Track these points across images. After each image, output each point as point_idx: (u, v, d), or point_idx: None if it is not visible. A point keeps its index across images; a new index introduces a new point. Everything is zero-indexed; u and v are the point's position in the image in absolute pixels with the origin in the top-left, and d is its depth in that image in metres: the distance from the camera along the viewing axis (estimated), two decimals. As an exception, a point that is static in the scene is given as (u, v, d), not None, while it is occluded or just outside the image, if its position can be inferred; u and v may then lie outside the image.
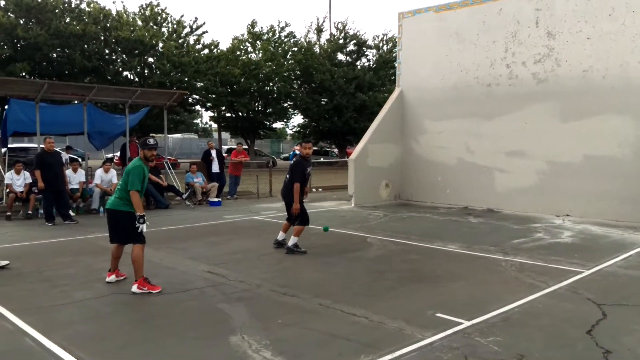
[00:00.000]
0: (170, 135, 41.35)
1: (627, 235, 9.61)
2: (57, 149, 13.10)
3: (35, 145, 13.26)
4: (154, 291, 5.81)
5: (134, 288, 5.82)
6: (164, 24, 29.94)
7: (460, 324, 4.86)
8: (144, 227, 5.95)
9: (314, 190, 19.01)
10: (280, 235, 8.34)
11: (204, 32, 31.41)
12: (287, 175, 8.03)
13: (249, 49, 36.03)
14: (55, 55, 25.79)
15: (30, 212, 11.68)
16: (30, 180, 11.83)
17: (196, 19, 30.47)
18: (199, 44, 31.14)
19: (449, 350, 4.28)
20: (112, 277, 6.31)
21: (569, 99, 12.05)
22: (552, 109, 12.35)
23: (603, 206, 11.40)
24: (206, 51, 31.41)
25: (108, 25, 26.62)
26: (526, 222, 11.20)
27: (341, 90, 35.09)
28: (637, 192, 10.95)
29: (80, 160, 15.75)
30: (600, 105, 11.57)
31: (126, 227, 6.00)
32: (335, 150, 43.47)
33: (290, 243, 7.94)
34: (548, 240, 9.22)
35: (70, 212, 11.94)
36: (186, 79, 28.56)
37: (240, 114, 35.47)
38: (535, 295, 5.83)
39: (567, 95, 12.08)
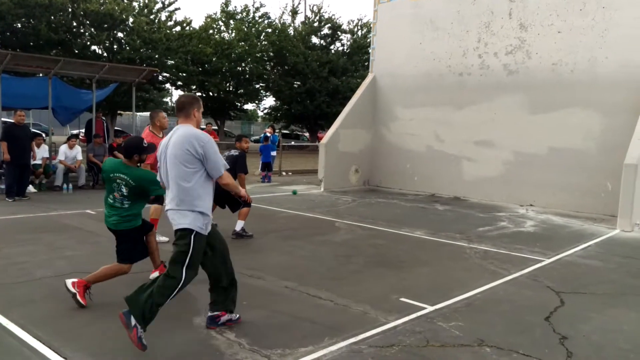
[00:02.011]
0: (138, 113, 40.59)
1: (587, 226, 9.88)
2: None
3: (-4, 118, 12.82)
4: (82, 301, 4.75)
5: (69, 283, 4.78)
6: (135, -2, 29.16)
7: (424, 308, 4.94)
8: None
9: (284, 173, 18.98)
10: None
11: (176, 9, 30.89)
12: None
13: (222, 28, 35.49)
14: (19, 25, 24.86)
15: (-10, 187, 11.35)
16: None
17: (168, -6, 29.72)
18: (170, 20, 30.45)
19: (411, 334, 4.34)
20: (157, 274, 5.39)
21: (537, 91, 12.25)
22: (521, 101, 12.54)
23: (565, 197, 11.69)
24: (178, 28, 30.75)
25: (76, -4, 25.78)
26: (491, 210, 11.41)
27: (314, 73, 34.93)
28: (599, 185, 11.26)
29: (43, 135, 15.31)
30: (568, 99, 11.80)
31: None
32: (307, 134, 43.39)
33: (237, 227, 7.87)
34: (512, 229, 9.41)
35: (31, 188, 11.67)
36: (157, 56, 27.93)
37: (211, 93, 35.00)
38: (497, 282, 5.95)
39: (536, 88, 12.28)
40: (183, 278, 4.00)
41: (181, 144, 3.97)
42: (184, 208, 4.01)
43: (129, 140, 5.11)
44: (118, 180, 4.78)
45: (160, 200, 7.15)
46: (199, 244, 4.06)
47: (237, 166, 7.90)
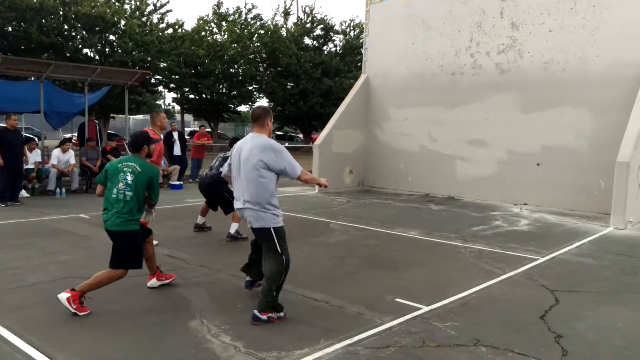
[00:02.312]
0: (131, 116, 40.46)
1: (580, 224, 9.92)
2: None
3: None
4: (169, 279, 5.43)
5: (63, 300, 4.62)
6: (126, 1, 29.04)
7: (419, 309, 4.94)
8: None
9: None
10: (200, 219, 8.49)
11: (168, 11, 30.77)
12: (216, 163, 8.13)
13: (214, 30, 35.40)
14: (10, 29, 24.69)
15: (-19, 192, 11.25)
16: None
17: (160, -4, 29.61)
18: (162, 23, 30.33)
19: (407, 334, 4.34)
20: (154, 281, 5.48)
21: (529, 90, 12.29)
22: (513, 100, 12.58)
23: (559, 196, 11.74)
24: (170, 31, 30.65)
25: (67, -1, 25.65)
26: (485, 210, 11.44)
27: (307, 75, 34.90)
28: (592, 183, 11.31)
29: (36, 139, 15.22)
30: (559, 98, 11.85)
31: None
32: (300, 135, 43.35)
33: (232, 230, 7.87)
34: (506, 228, 9.44)
35: (24, 193, 11.61)
36: (149, 58, 27.82)
37: (204, 96, 34.90)
38: (492, 281, 5.97)
39: (528, 87, 12.32)
40: (285, 262, 4.64)
41: (260, 152, 4.53)
42: (258, 208, 4.58)
43: (135, 134, 5.29)
44: (125, 169, 4.81)
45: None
46: (281, 234, 4.66)
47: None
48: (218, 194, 7.92)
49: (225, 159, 8.03)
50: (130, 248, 4.82)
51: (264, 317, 4.51)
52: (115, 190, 4.77)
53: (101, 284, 4.80)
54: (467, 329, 4.49)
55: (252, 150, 4.56)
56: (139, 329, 4.34)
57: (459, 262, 6.87)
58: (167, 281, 5.54)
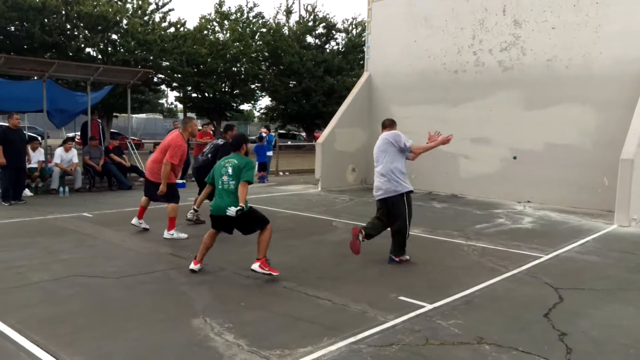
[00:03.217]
0: (134, 115, 40.55)
1: (584, 222, 9.90)
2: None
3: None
4: (274, 273, 5.66)
5: (255, 266, 5.66)
6: (129, 0, 29.08)
7: (423, 307, 4.93)
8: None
9: (281, 173, 18.96)
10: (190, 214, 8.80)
11: (170, 10, 30.80)
12: (209, 155, 8.39)
13: (217, 28, 35.43)
14: (13, 28, 24.76)
15: (-15, 191, 11.28)
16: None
17: (162, -5, 29.64)
18: (164, 22, 30.37)
19: (410, 332, 4.33)
20: (198, 266, 5.96)
21: (532, 87, 12.26)
22: (516, 97, 12.55)
23: (562, 193, 11.70)
24: (172, 30, 30.68)
25: (70, -1, 25.68)
26: (489, 207, 11.41)
27: (310, 73, 34.90)
28: (595, 180, 11.27)
29: (39, 138, 15.24)
30: (563, 95, 11.82)
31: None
32: (303, 133, 43.36)
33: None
34: (509, 225, 9.41)
35: (28, 192, 11.63)
36: (151, 57, 27.87)
37: (206, 94, 34.94)
38: (495, 279, 5.95)
39: (531, 84, 12.29)
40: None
41: (384, 140, 6.84)
42: (390, 180, 6.64)
43: (235, 136, 6.33)
44: (227, 165, 5.70)
45: (176, 199, 7.31)
46: (410, 201, 6.66)
47: (218, 155, 8.00)
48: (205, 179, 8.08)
49: (216, 146, 8.12)
50: (253, 217, 5.73)
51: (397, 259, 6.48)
52: (221, 182, 5.66)
53: (266, 243, 5.72)
54: (470, 327, 4.47)
55: (382, 141, 6.92)
56: (142, 327, 4.34)
57: (462, 260, 6.86)
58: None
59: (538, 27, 12.16)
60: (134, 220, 8.11)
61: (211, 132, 16.98)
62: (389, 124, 7.11)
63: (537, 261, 6.83)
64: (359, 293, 5.32)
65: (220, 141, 8.40)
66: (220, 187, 5.65)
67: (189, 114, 40.82)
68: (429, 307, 4.94)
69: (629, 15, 10.89)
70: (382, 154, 6.76)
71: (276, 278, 5.69)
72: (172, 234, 7.58)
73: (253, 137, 38.41)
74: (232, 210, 5.47)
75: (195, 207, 8.46)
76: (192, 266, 5.92)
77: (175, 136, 7.60)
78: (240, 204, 5.46)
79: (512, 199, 12.41)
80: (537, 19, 12.16)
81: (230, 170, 5.62)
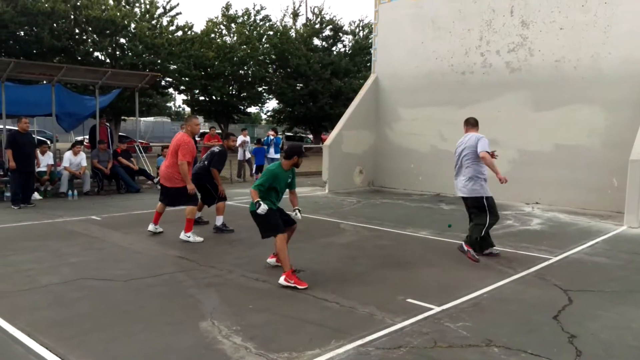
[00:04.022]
0: (142, 119, 40.73)
1: (593, 223, 9.83)
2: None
3: (1, 127, 12.86)
4: (299, 287, 5.45)
5: (281, 280, 5.54)
6: (137, 4, 29.25)
7: (431, 309, 4.91)
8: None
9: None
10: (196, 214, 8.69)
11: (177, 14, 30.94)
12: (205, 162, 8.39)
13: (224, 31, 35.56)
14: (22, 33, 24.97)
15: (-5, 195, 11.38)
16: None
17: (169, -1, 29.79)
18: (172, 25, 30.52)
19: (419, 335, 4.31)
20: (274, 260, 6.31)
21: (541, 88, 12.20)
22: (524, 98, 12.49)
23: (571, 194, 11.63)
24: (180, 33, 30.82)
25: (78, 3, 25.85)
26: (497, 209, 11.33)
27: (317, 75, 34.91)
28: (604, 181, 11.20)
29: (48, 142, 15.36)
30: (571, 96, 11.75)
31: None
32: (310, 136, 43.36)
33: (218, 222, 8.31)
34: (518, 227, 9.36)
35: (37, 195, 11.71)
36: (159, 61, 28.01)
37: (214, 97, 35.03)
38: (504, 281, 5.92)
39: (539, 85, 12.23)
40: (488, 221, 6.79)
41: (472, 141, 6.88)
42: (475, 182, 6.80)
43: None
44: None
45: (195, 201, 7.37)
46: (492, 200, 6.84)
47: (212, 162, 8.13)
48: (200, 185, 8.13)
49: (212, 153, 8.19)
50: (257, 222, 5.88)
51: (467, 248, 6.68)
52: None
53: (284, 252, 5.59)
54: (479, 330, 4.45)
55: (470, 141, 6.89)
56: (150, 330, 4.35)
57: (470, 262, 6.82)
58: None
59: (546, 28, 12.10)
60: (150, 227, 8.14)
61: (218, 135, 17.10)
62: (474, 123, 7.23)
63: (545, 263, 6.79)
64: (366, 295, 5.31)
65: (216, 148, 8.43)
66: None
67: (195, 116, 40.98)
68: (437, 309, 4.91)
69: (638, 15, 10.82)
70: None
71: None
72: (189, 237, 7.57)
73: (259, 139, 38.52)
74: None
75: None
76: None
77: (181, 136, 7.74)
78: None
79: (521, 200, 12.34)
80: (545, 19, 12.10)
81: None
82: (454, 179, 7.16)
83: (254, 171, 17.10)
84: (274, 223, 5.77)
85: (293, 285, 5.50)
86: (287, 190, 6.17)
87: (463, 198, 7.01)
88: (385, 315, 4.74)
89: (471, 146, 6.87)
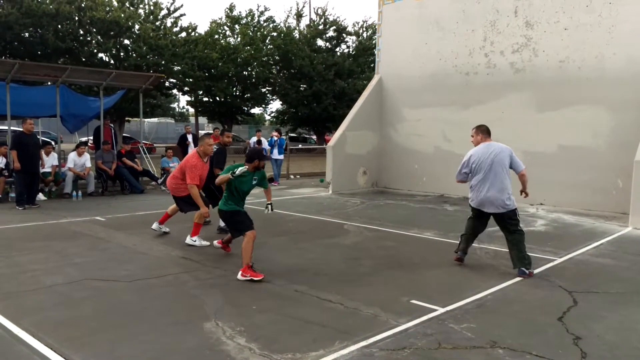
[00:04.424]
0: (146, 120, 40.79)
1: (598, 224, 9.79)
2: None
3: (6, 128, 12.90)
4: (255, 278, 5.74)
5: (239, 276, 5.85)
6: (141, 6, 29.33)
7: (435, 310, 4.90)
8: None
9: (292, 177, 18.98)
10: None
11: (181, 15, 30.87)
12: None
13: (227, 33, 35.60)
14: (27, 35, 25.08)
15: (0, 195, 11.40)
16: (2, 165, 11.56)
17: (173, 1, 29.82)
18: (176, 26, 30.59)
19: (423, 336, 4.30)
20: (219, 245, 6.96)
21: (545, 89, 12.17)
22: (528, 99, 12.47)
23: (576, 195, 11.59)
24: (184, 34, 30.90)
25: (82, 5, 25.94)
26: (501, 210, 11.31)
27: (320, 76, 34.93)
28: (609, 182, 11.16)
29: (53, 143, 15.42)
30: (576, 96, 11.71)
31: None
32: (314, 137, 43.38)
33: (222, 223, 8.20)
34: (522, 228, 9.31)
35: (41, 196, 11.74)
36: (163, 62, 28.07)
37: (217, 98, 35.08)
38: (508, 282, 5.90)
39: (543, 86, 12.20)
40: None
41: (504, 153, 6.35)
42: (508, 195, 6.29)
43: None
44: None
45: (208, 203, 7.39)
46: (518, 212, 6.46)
47: (213, 163, 8.06)
48: (204, 186, 8.07)
49: (215, 154, 8.06)
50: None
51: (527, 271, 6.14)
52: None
53: (247, 249, 5.88)
54: (483, 331, 4.44)
55: (502, 153, 6.33)
56: (154, 331, 4.35)
57: (474, 263, 6.81)
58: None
59: (550, 28, 12.07)
60: (155, 225, 8.17)
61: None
62: (488, 132, 6.71)
63: (550, 264, 6.77)
64: (370, 296, 5.30)
65: (214, 148, 8.39)
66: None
67: (201, 119, 41.06)
68: (441, 310, 4.91)
69: (643, 15, 10.78)
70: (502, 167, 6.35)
71: (283, 283, 5.68)
72: (195, 241, 7.55)
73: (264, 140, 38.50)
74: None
75: None
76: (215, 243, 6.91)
77: (190, 156, 7.58)
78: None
79: (525, 201, 12.25)
80: (549, 20, 12.07)
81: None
82: (478, 192, 6.41)
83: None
84: (245, 222, 6.12)
85: (249, 278, 5.73)
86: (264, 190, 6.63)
87: (494, 214, 6.44)
88: (389, 317, 4.73)
89: (503, 159, 6.32)
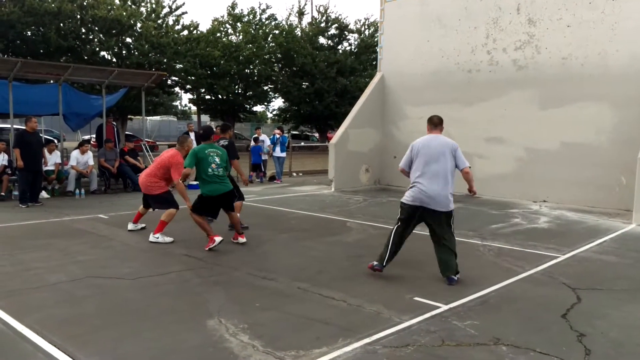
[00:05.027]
0: (148, 118, 40.85)
1: (601, 221, 9.77)
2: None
3: (9, 126, 12.92)
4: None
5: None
6: (142, 4, 29.35)
7: (438, 307, 4.89)
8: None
9: (294, 174, 18.97)
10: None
11: (183, 13, 30.93)
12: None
13: (229, 30, 35.63)
14: (29, 33, 25.11)
15: (3, 194, 11.42)
16: (5, 162, 11.57)
17: (175, -1, 29.88)
18: (178, 24, 30.62)
19: (426, 333, 4.30)
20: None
21: (548, 86, 12.14)
22: (531, 96, 12.44)
23: (579, 192, 11.57)
24: (185, 32, 30.92)
25: (85, 3, 25.97)
26: (504, 207, 11.32)
27: (322, 74, 34.92)
28: (613, 179, 11.13)
29: (55, 141, 15.42)
30: (579, 93, 11.68)
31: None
32: (316, 134, 43.38)
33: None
34: (525, 225, 9.32)
35: (44, 194, 11.76)
36: (165, 60, 28.10)
37: (220, 96, 35.13)
38: (512, 279, 5.89)
39: (546, 83, 12.17)
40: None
41: (447, 146, 5.85)
42: (450, 192, 5.76)
43: (205, 128, 7.71)
44: (212, 154, 7.00)
45: (174, 205, 7.42)
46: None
47: (230, 155, 8.04)
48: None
49: (226, 147, 8.10)
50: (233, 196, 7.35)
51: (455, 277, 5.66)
52: (211, 169, 6.96)
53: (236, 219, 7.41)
54: (487, 328, 4.43)
55: (444, 147, 5.81)
56: (157, 328, 4.36)
57: (477, 261, 6.80)
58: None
59: (553, 25, 12.03)
60: (130, 226, 8.31)
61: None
62: (439, 122, 6.21)
63: (553, 261, 6.75)
64: (373, 294, 5.30)
65: (222, 142, 8.39)
66: (210, 173, 6.97)
67: (203, 117, 41.06)
68: (444, 307, 4.90)
69: (646, 11, 10.74)
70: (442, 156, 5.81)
71: (286, 281, 5.68)
72: (157, 238, 7.53)
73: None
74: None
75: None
76: (217, 240, 6.98)
77: (174, 154, 7.62)
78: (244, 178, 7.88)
79: (528, 198, 12.29)
80: (551, 17, 12.04)
81: (217, 160, 7.03)
82: (418, 187, 5.77)
83: (249, 170, 16.91)
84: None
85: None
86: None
87: (432, 215, 5.76)
88: (392, 314, 4.72)
89: (446, 153, 5.78)
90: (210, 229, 7.08)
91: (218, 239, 6.95)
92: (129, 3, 28.51)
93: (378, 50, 15.97)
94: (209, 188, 7.03)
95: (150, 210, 8.22)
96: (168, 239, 7.55)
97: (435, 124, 6.20)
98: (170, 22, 30.27)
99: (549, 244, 7.71)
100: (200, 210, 7.09)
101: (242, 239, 7.37)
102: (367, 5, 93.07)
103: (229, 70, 32.93)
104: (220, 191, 7.04)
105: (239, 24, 35.41)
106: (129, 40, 28.24)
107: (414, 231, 8.69)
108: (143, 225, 8.37)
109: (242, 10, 35.93)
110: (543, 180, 12.18)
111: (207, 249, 6.92)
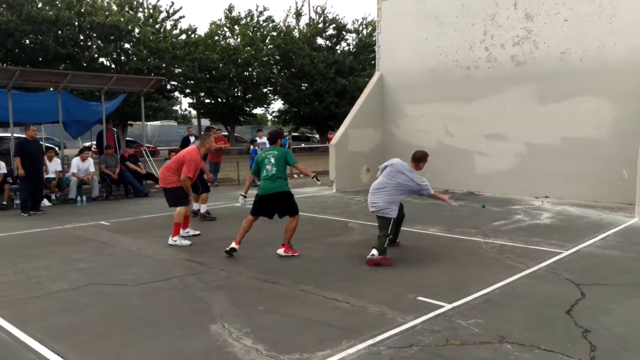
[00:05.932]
0: (148, 123, 40.87)
1: (604, 216, 9.74)
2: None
3: (8, 135, 12.92)
4: (295, 254, 6.85)
5: (280, 252, 6.90)
6: (140, 9, 29.38)
7: (442, 306, 4.87)
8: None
9: (295, 175, 18.95)
10: (195, 206, 9.52)
11: (180, 17, 30.93)
12: None
13: (227, 34, 35.64)
14: (27, 41, 25.15)
15: (5, 202, 11.42)
16: (5, 171, 11.57)
17: (172, 3, 30.05)
18: (176, 29, 30.64)
19: (430, 333, 4.28)
20: (237, 246, 6.92)
21: (546, 81, 12.12)
22: (530, 92, 12.42)
23: (581, 187, 11.54)
24: (183, 37, 30.94)
25: (82, 10, 26.00)
26: (506, 204, 11.29)
27: (321, 75, 34.91)
28: (615, 173, 11.10)
29: (56, 148, 15.43)
30: (578, 88, 11.66)
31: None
32: (317, 135, 43.36)
33: (202, 210, 9.59)
34: (527, 221, 9.30)
35: (46, 202, 11.76)
36: (164, 65, 28.12)
37: (219, 100, 35.12)
38: (515, 276, 5.87)
39: (545, 78, 12.15)
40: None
41: (403, 169, 7.00)
42: (392, 202, 6.74)
43: (272, 132, 7.50)
44: (269, 156, 6.92)
45: (184, 203, 7.80)
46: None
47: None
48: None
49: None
50: (293, 199, 7.06)
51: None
52: (266, 170, 6.88)
53: (293, 230, 6.94)
54: (491, 326, 4.41)
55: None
56: (161, 334, 4.34)
57: (480, 258, 6.78)
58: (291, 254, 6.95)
59: (550, 20, 12.01)
60: (181, 232, 8.07)
61: (224, 137, 17.19)
62: (420, 158, 7.23)
63: (557, 257, 6.73)
64: (377, 294, 5.28)
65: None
66: (264, 174, 6.88)
67: (203, 121, 41.08)
68: (448, 306, 4.88)
69: (644, 4, 10.71)
70: (393, 179, 6.98)
71: (289, 283, 5.67)
72: (175, 241, 7.56)
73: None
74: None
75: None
76: (233, 245, 6.81)
77: (191, 150, 7.75)
78: (312, 174, 7.40)
79: (530, 194, 12.26)
80: (549, 11, 12.02)
81: (273, 160, 6.86)
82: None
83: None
84: (296, 204, 7.11)
85: (291, 254, 6.87)
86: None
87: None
88: (396, 314, 4.71)
89: (401, 173, 7.02)
90: (241, 236, 6.92)
91: (232, 245, 6.83)
92: (127, 9, 28.54)
93: (376, 49, 15.96)
94: (260, 187, 7.00)
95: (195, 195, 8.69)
96: (185, 242, 7.57)
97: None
98: (168, 27, 30.30)
99: (552, 240, 7.69)
100: (253, 211, 7.01)
101: (235, 245, 6.92)
102: (364, 5, 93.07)
103: (228, 74, 32.93)
104: (270, 190, 6.87)
105: (236, 27, 35.43)
106: (127, 46, 28.27)
107: (419, 231, 8.70)
108: (196, 232, 8.27)
109: (239, 13, 35.82)
110: (544, 175, 12.15)
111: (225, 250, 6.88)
